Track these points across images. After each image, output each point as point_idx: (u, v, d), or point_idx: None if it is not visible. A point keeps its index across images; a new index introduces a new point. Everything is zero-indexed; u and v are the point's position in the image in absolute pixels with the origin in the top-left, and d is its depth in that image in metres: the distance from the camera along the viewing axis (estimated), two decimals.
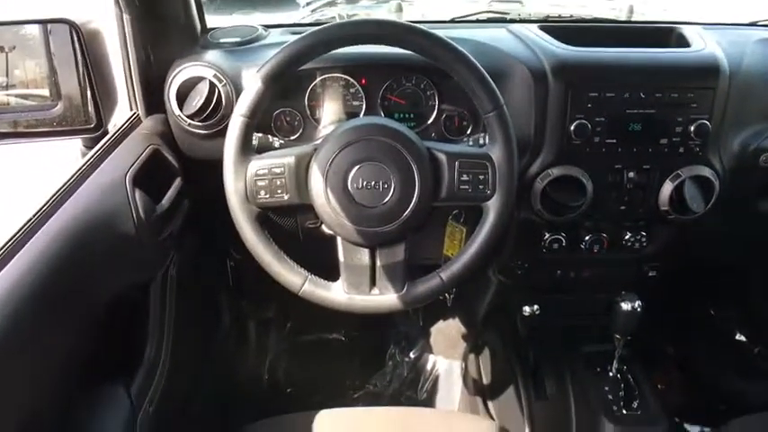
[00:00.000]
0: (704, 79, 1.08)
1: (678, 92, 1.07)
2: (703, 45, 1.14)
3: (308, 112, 1.16)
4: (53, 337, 0.79)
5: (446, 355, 1.75)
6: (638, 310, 1.25)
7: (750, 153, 1.14)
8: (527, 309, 1.37)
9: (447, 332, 1.79)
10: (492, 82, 0.92)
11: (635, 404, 1.27)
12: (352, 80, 1.16)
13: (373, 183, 0.92)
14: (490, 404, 1.52)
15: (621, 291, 1.26)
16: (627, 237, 1.26)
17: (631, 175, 1.13)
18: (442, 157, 0.94)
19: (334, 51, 0.95)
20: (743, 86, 1.11)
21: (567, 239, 1.25)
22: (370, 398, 1.78)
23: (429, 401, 1.73)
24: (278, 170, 0.94)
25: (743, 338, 1.99)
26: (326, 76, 1.15)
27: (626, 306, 1.25)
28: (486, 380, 1.58)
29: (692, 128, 1.08)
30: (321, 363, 1.89)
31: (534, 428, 1.36)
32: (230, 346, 1.65)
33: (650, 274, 1.34)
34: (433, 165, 0.94)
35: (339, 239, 0.96)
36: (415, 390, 1.77)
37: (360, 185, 0.92)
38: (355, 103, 1.16)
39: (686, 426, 1.70)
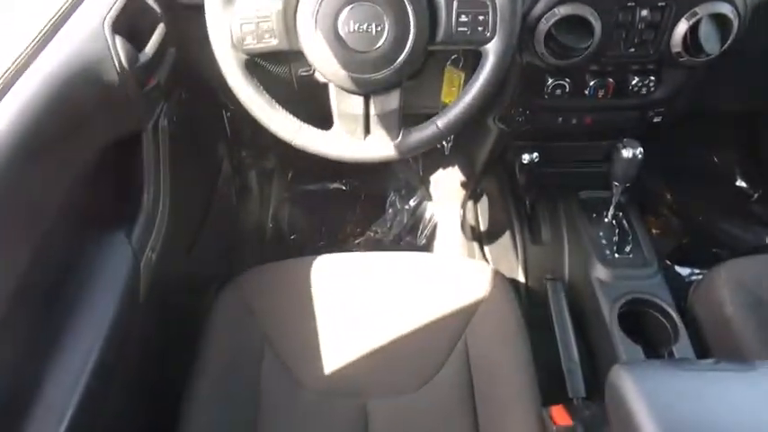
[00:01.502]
0: None
1: None
2: None
3: None
4: (45, 187, 0.80)
5: (445, 202, 1.79)
6: (640, 156, 1.25)
7: None
8: (526, 156, 1.37)
9: (447, 180, 1.82)
10: None
11: (627, 248, 1.32)
12: None
13: (366, 25, 0.87)
14: (486, 249, 1.58)
15: (623, 137, 1.25)
16: (634, 82, 1.21)
17: (644, 13, 1.05)
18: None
19: None
20: None
21: (571, 85, 1.21)
22: (372, 244, 1.85)
23: (428, 247, 1.81)
24: (264, 13, 0.89)
25: (743, 184, 2.01)
26: None
27: (627, 153, 1.24)
28: (483, 226, 1.63)
29: None
30: (323, 211, 1.95)
31: (528, 272, 1.43)
32: (232, 194, 1.69)
33: (655, 120, 1.31)
34: (430, 5, 0.89)
35: (331, 86, 0.94)
36: (414, 236, 1.84)
37: (351, 29, 0.87)
38: None
39: (677, 268, 1.78)
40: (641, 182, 1.97)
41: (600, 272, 1.28)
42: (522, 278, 1.45)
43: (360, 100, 0.94)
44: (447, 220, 1.74)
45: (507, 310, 1.11)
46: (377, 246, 1.85)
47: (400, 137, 0.96)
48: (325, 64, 0.90)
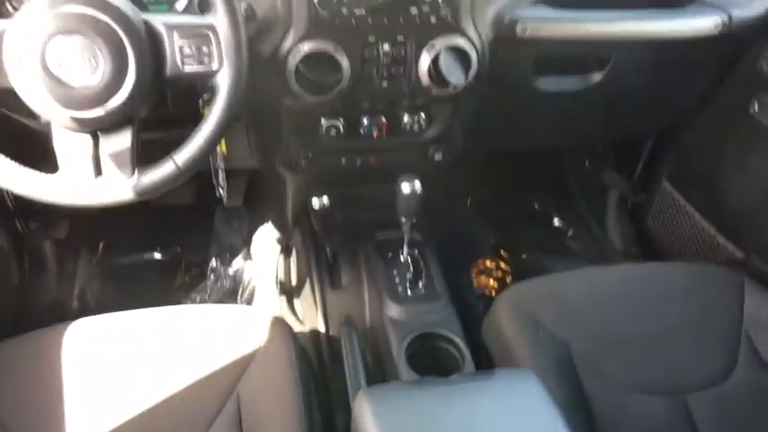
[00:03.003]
0: None
1: None
2: None
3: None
4: None
5: (264, 260, 1.74)
6: (419, 191, 1.28)
7: (507, 23, 1.14)
8: (316, 201, 1.36)
9: (265, 237, 1.77)
10: None
11: (420, 285, 1.32)
12: None
13: (77, 58, 0.83)
14: (295, 301, 1.53)
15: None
16: (406, 119, 1.26)
17: (386, 48, 1.10)
18: (161, 29, 0.87)
19: None
20: None
21: (345, 124, 1.23)
22: None
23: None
24: None
25: (558, 223, 2.14)
26: None
27: (406, 188, 1.27)
28: (292, 279, 1.59)
29: None
30: (138, 285, 1.82)
31: (328, 318, 1.39)
32: (12, 272, 1.53)
33: (437, 159, 1.36)
34: (151, 39, 0.86)
35: (53, 126, 0.88)
36: (234, 299, 1.76)
37: (62, 63, 0.83)
38: None
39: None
40: (467, 226, 2.04)
41: (392, 310, 1.27)
42: (321, 326, 1.41)
43: (86, 139, 0.88)
44: (264, 277, 1.69)
45: (283, 361, 1.04)
46: None
47: (135, 177, 0.91)
48: (39, 103, 0.84)
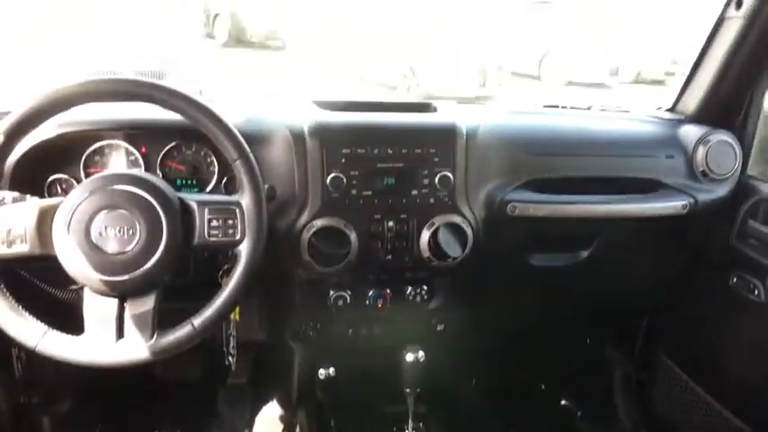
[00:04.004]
0: (443, 138, 1.25)
1: (422, 148, 1.23)
2: (446, 113, 1.32)
3: (84, 179, 1.18)
4: None
5: None
6: (422, 361, 1.32)
7: (497, 203, 1.29)
8: (322, 371, 1.39)
9: (269, 417, 1.75)
10: (237, 133, 1.01)
11: None
12: (131, 148, 1.21)
13: (118, 229, 0.95)
14: None
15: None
16: (409, 291, 1.35)
17: (391, 224, 1.24)
18: (193, 205, 1.00)
19: (115, 116, 1.02)
20: (481, 147, 1.28)
21: (352, 295, 1.32)
22: None
23: None
24: (17, 218, 0.94)
25: (567, 403, 2.10)
26: (104, 143, 1.20)
27: (409, 358, 1.31)
28: None
29: (437, 179, 1.23)
30: None
31: None
32: None
33: (438, 328, 1.42)
34: (184, 213, 0.99)
35: (86, 290, 0.96)
36: None
37: (104, 233, 0.94)
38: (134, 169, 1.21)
39: None
40: (473, 404, 2.01)
41: None
42: None
43: (114, 302, 0.97)
44: None
45: None
46: None
47: (154, 338, 0.97)
48: (77, 268, 0.94)
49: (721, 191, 1.39)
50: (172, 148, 1.23)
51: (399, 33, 8.43)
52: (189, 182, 1.25)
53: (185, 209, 1.00)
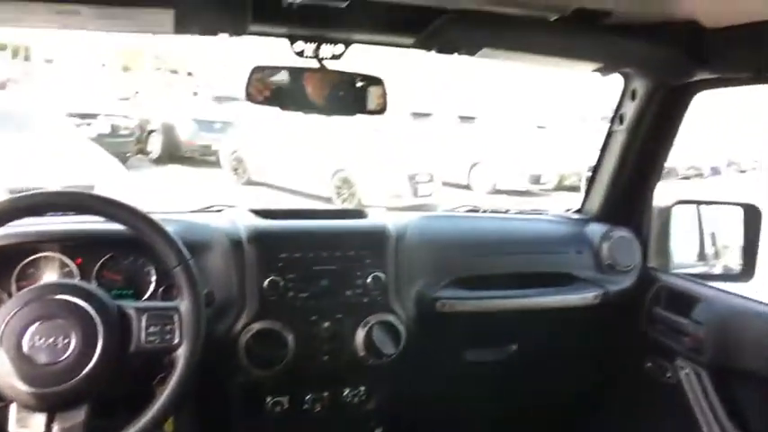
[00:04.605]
0: (374, 241, 1.36)
1: (354, 251, 1.32)
2: (376, 218, 1.44)
3: (16, 292, 1.18)
4: None
5: None
6: None
7: (427, 301, 1.39)
8: None
9: None
10: (177, 240, 1.07)
11: None
12: (66, 259, 1.24)
13: (52, 339, 0.95)
14: None
15: None
16: (346, 392, 1.39)
17: (327, 325, 1.30)
18: (131, 312, 1.03)
19: (50, 228, 1.09)
20: (410, 248, 1.40)
21: (290, 401, 1.34)
22: None
23: None
24: None
25: None
26: (38, 255, 1.22)
27: None
28: None
29: (370, 280, 1.32)
30: None
31: None
32: None
33: None
34: (121, 320, 1.01)
35: (12, 408, 0.95)
36: None
37: (36, 343, 0.94)
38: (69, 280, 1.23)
39: None
40: None
41: None
42: None
43: (42, 419, 0.94)
44: None
45: None
46: None
47: None
48: (4, 381, 0.92)
49: (627, 282, 1.54)
50: (108, 258, 1.26)
51: (332, 145, 8.84)
52: (125, 292, 1.27)
53: (123, 316, 1.02)
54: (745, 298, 1.38)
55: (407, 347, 1.34)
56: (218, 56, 19.59)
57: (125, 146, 9.64)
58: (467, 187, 10.84)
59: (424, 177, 8.74)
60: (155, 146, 11.11)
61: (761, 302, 1.35)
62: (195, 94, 14.64)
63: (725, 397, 1.35)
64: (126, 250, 1.27)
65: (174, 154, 10.95)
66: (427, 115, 14.77)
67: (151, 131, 11.16)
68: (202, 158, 10.96)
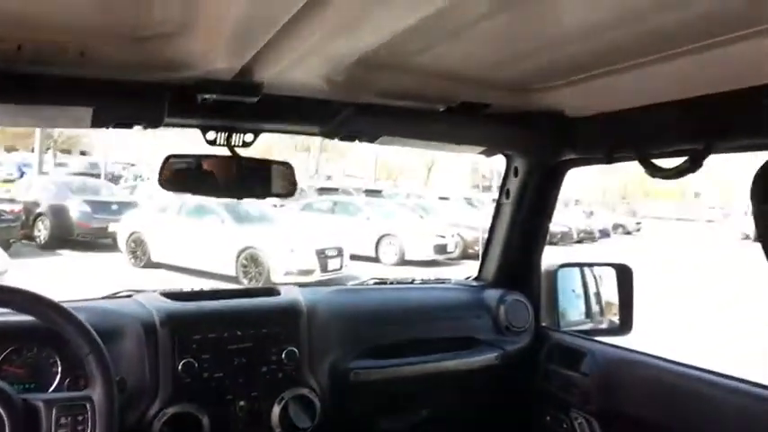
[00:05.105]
0: (287, 317, 1.43)
1: (268, 328, 1.38)
2: (287, 295, 1.52)
3: None
4: None
5: None
6: None
7: (341, 372, 1.46)
8: None
9: None
10: (89, 327, 1.08)
11: None
12: None
13: None
14: None
15: None
16: None
17: (242, 403, 1.33)
18: (40, 405, 1.02)
19: None
20: (321, 322, 1.48)
21: None
22: None
23: None
24: None
25: None
26: None
27: None
28: None
29: (284, 356, 1.38)
30: None
31: None
32: None
33: None
34: (28, 415, 1.00)
35: None
36: None
37: None
38: None
39: None
40: None
41: None
42: None
43: None
44: None
45: None
46: None
47: None
48: None
49: (523, 341, 1.69)
50: (11, 351, 1.24)
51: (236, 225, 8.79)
52: (28, 386, 1.24)
53: (30, 411, 1.00)
54: (624, 349, 1.57)
55: (323, 420, 1.39)
56: (114, 135, 19.10)
57: (8, 231, 9.10)
58: (375, 259, 11.06)
59: (332, 252, 8.86)
60: (42, 230, 10.54)
61: (638, 352, 1.54)
62: (97, 176, 14.16)
63: None
64: (30, 342, 1.25)
65: (65, 238, 10.41)
66: (335, 190, 15.09)
67: (39, 215, 10.60)
68: (97, 242, 10.49)
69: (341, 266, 8.91)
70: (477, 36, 1.01)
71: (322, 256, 8.62)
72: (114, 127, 1.23)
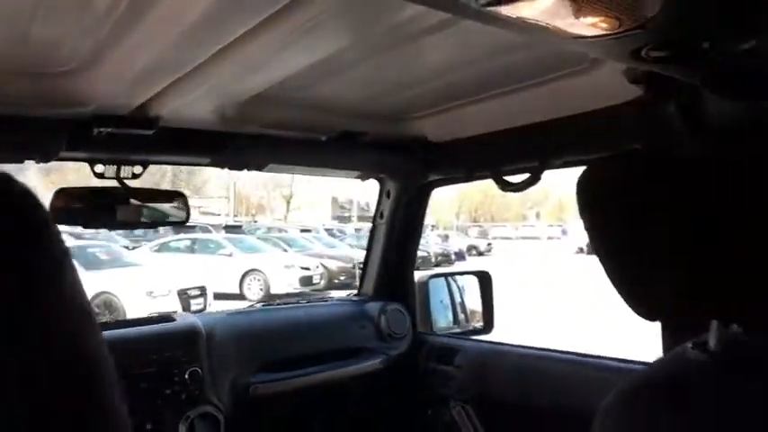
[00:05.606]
0: (187, 340, 1.50)
1: (170, 351, 1.44)
2: (184, 319, 1.58)
3: None
4: None
5: None
6: None
7: (241, 387, 1.55)
8: None
9: None
10: None
11: None
12: None
13: None
14: None
15: None
16: None
17: (149, 426, 1.37)
18: None
19: None
20: (220, 342, 1.56)
21: None
22: None
23: None
24: None
25: None
26: None
27: None
28: None
29: (187, 376, 1.44)
30: None
31: None
32: None
33: None
34: None
35: None
36: None
37: None
38: None
39: None
40: None
41: None
42: None
43: None
44: None
45: None
46: None
47: None
48: None
49: (403, 346, 1.89)
50: None
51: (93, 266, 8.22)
52: None
53: None
54: (491, 342, 1.82)
55: None
56: None
57: None
58: (240, 296, 10.84)
59: (195, 291, 8.58)
60: None
61: (503, 344, 1.80)
62: None
63: (488, 426, 1.73)
64: None
65: None
66: (192, 228, 14.56)
67: None
68: None
69: (205, 306, 8.65)
70: (355, 74, 1.20)
71: (184, 296, 8.32)
72: (4, 162, 1.24)
